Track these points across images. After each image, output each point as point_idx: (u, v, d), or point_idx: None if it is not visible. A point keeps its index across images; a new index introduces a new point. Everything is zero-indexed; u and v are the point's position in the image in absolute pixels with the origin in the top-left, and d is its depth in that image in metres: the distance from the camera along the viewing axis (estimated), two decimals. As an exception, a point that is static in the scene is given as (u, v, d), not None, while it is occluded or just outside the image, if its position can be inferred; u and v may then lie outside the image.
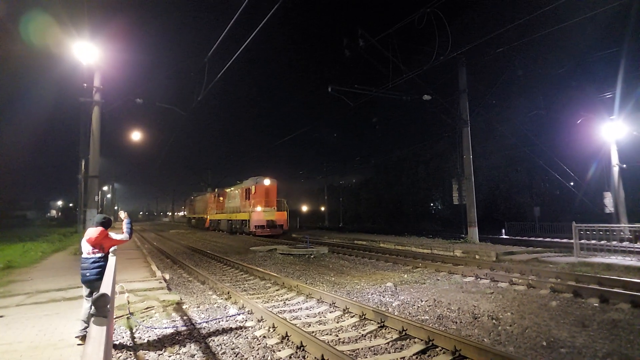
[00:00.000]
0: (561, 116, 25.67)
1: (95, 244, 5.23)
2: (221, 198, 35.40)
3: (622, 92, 18.37)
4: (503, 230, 26.63)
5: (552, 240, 19.88)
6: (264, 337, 5.70)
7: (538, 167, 26.83)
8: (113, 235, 5.46)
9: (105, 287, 3.90)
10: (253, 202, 27.76)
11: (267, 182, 28.32)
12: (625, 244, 12.73)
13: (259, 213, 26.98)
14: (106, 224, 5.44)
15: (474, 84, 19.72)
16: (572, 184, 26.44)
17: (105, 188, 62.33)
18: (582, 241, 12.32)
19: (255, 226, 26.52)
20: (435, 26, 13.99)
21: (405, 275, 10.61)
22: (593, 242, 12.28)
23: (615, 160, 18.90)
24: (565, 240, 16.97)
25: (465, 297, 7.89)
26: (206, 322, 6.51)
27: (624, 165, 18.99)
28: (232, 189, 33.32)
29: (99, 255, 5.25)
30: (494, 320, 6.22)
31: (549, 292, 8.07)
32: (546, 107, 24.77)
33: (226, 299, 8.19)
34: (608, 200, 19.57)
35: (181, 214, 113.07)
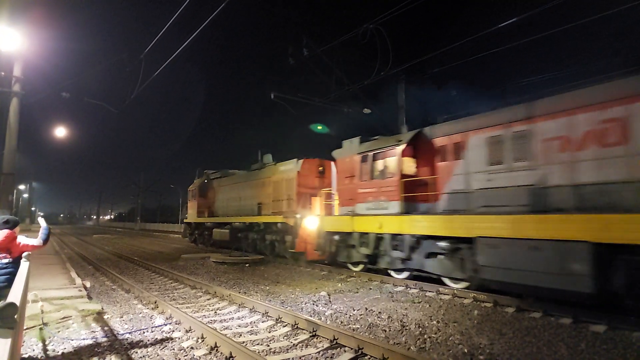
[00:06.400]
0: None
1: (1, 248, 4.75)
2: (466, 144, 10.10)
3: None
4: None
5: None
6: (192, 348, 5.48)
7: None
8: (23, 239, 4.97)
9: (14, 296, 3.56)
10: None
11: None
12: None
13: None
14: (11, 224, 4.94)
15: (413, 100, 20.58)
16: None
17: (22, 187, 57.17)
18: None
19: None
20: (377, 42, 14.51)
21: (340, 285, 10.75)
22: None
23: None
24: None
25: (395, 306, 8.14)
26: (129, 333, 6.15)
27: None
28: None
29: (7, 260, 4.75)
30: (420, 328, 6.46)
31: (472, 301, 8.54)
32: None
33: (153, 309, 7.79)
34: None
35: (118, 219, 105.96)
